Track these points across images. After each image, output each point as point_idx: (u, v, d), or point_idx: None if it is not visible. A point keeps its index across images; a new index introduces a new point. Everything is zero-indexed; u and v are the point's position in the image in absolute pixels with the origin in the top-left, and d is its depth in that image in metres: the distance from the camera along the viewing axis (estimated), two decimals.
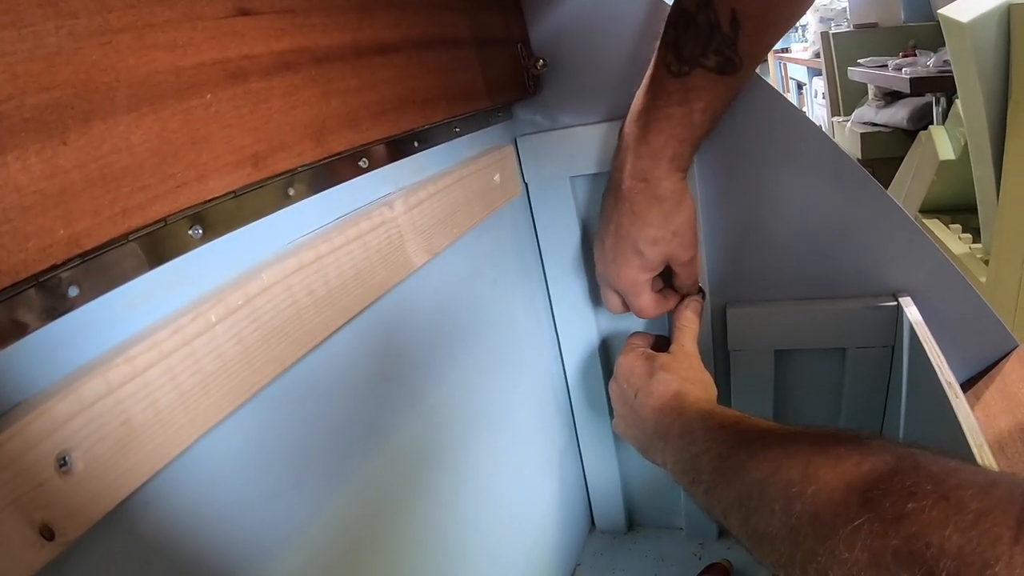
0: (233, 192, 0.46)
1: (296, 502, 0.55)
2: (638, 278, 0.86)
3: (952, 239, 2.54)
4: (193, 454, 0.44)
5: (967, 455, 0.61)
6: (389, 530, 0.68)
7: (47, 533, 0.34)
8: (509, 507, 0.97)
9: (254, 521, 0.51)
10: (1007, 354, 0.92)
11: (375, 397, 0.66)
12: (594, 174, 0.98)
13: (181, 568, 0.45)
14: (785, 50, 6.43)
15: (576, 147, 0.96)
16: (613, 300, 0.92)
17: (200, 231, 0.44)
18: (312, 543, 0.57)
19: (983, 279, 2.18)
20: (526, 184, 1.01)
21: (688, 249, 0.85)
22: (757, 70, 0.82)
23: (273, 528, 0.53)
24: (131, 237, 0.39)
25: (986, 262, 2.25)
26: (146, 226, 0.39)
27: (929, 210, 2.81)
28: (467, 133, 0.82)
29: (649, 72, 0.78)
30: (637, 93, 0.80)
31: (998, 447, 0.76)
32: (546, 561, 1.11)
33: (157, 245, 0.41)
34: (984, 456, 0.61)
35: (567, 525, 1.21)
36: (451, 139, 0.78)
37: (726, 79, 0.74)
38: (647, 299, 0.88)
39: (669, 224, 0.81)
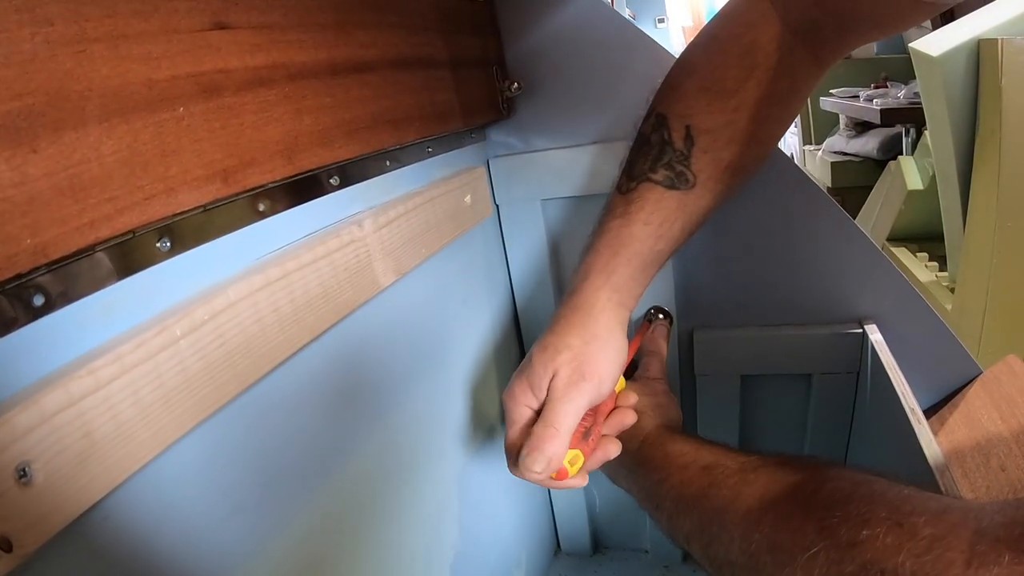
0: (202, 206, 0.45)
1: (258, 520, 0.55)
2: (514, 388, 0.71)
3: (919, 267, 2.57)
4: (154, 469, 0.44)
5: (930, 481, 0.61)
6: (352, 550, 0.68)
7: (5, 545, 0.33)
8: (474, 528, 0.96)
9: (214, 538, 0.51)
10: (971, 381, 0.93)
11: (340, 416, 0.66)
12: (565, 198, 0.99)
13: None
14: None
15: (548, 170, 0.96)
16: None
17: (168, 244, 0.44)
18: (273, 562, 0.57)
19: (949, 307, 2.20)
20: (497, 206, 1.01)
21: (579, 373, 0.68)
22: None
23: (234, 546, 0.52)
24: (98, 248, 0.39)
25: (952, 290, 2.28)
26: (114, 237, 0.39)
27: (897, 238, 2.84)
28: (439, 153, 0.82)
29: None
30: None
31: (962, 473, 0.76)
32: None
33: (124, 257, 0.41)
34: (948, 483, 0.61)
35: (532, 547, 1.20)
36: (423, 159, 0.78)
37: (676, 195, 0.71)
38: (514, 425, 0.71)
39: (571, 335, 0.70)
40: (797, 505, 0.49)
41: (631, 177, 0.73)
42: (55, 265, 0.36)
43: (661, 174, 0.71)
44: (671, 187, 0.71)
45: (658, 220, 0.71)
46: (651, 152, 0.71)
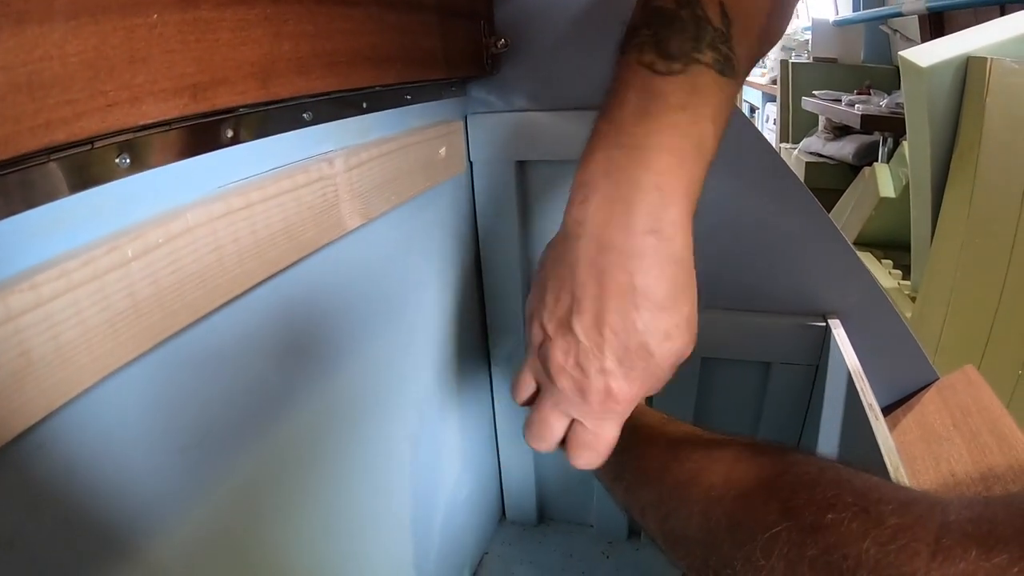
0: (167, 123, 0.43)
1: (200, 460, 0.53)
2: (632, 395, 0.55)
3: (883, 273, 2.61)
4: (94, 397, 0.42)
5: (883, 476, 0.61)
6: (294, 500, 0.66)
7: None
8: (421, 487, 0.96)
9: (154, 475, 0.49)
10: (927, 386, 0.94)
11: (291, 361, 0.64)
12: (541, 161, 0.98)
13: (72, 517, 0.43)
14: None
15: (526, 132, 0.95)
16: (557, 428, 0.60)
17: (128, 161, 0.42)
18: (213, 503, 0.55)
19: (908, 314, 2.23)
20: (471, 163, 1.00)
21: (693, 340, 0.56)
22: None
23: (173, 484, 0.51)
24: (54, 156, 0.37)
25: (913, 299, 2.31)
26: (70, 145, 0.37)
27: (864, 243, 2.89)
28: (418, 102, 0.80)
29: (616, 88, 0.53)
30: (598, 122, 0.54)
31: (912, 474, 0.77)
32: (455, 546, 1.11)
33: (80, 170, 0.39)
34: (900, 479, 0.62)
35: (478, 512, 1.21)
36: (400, 106, 0.76)
37: (728, 84, 0.52)
38: (616, 431, 0.59)
39: (685, 301, 0.53)
40: (761, 485, 0.48)
41: (669, 55, 0.51)
42: (5, 169, 0.34)
43: (709, 55, 0.51)
44: (722, 72, 0.52)
45: (723, 118, 0.53)
46: (686, 28, 0.51)
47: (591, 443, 0.58)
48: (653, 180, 0.49)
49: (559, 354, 0.54)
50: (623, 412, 0.56)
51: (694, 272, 0.53)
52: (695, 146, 0.50)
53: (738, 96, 0.56)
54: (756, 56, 0.55)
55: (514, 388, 0.63)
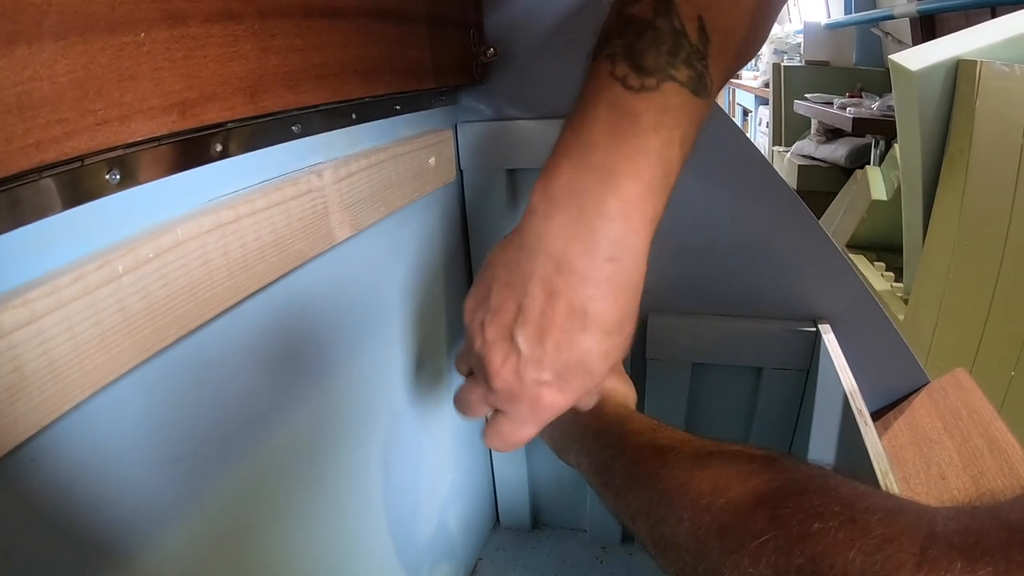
0: (157, 139, 0.44)
1: (192, 471, 0.53)
2: (562, 406, 0.56)
3: (875, 276, 2.61)
4: (86, 410, 0.42)
5: (872, 482, 0.62)
6: (286, 509, 0.67)
7: None
8: (414, 494, 0.96)
9: (147, 486, 0.49)
10: (918, 389, 0.94)
11: (282, 372, 0.64)
12: (531, 169, 0.98)
13: (66, 529, 0.43)
14: (736, 76, 6.56)
15: (516, 140, 0.95)
16: (481, 412, 0.61)
17: (118, 176, 0.42)
18: (206, 514, 0.55)
19: (901, 317, 2.23)
20: (461, 172, 1.00)
21: (627, 352, 0.57)
22: None
23: (166, 495, 0.51)
24: (45, 174, 0.37)
25: (905, 301, 2.31)
26: (61, 163, 0.37)
27: (856, 246, 2.89)
28: (407, 112, 0.80)
29: (587, 99, 0.52)
30: (567, 135, 0.52)
31: (902, 478, 0.77)
32: (448, 551, 1.11)
33: (71, 186, 0.39)
34: (889, 484, 0.62)
35: (472, 518, 1.21)
36: (390, 116, 0.76)
37: (699, 104, 0.51)
38: (534, 432, 0.59)
39: (629, 323, 0.54)
40: (750, 492, 0.48)
41: (643, 70, 0.49)
42: None
43: (684, 73, 0.49)
44: (695, 92, 0.50)
45: (690, 141, 0.52)
46: (663, 41, 0.49)
47: (507, 436, 0.58)
48: (619, 207, 0.49)
49: (497, 359, 0.54)
50: (548, 419, 0.57)
51: (640, 293, 0.53)
52: (663, 173, 0.50)
53: (710, 111, 0.53)
54: (731, 74, 0.55)
55: (456, 362, 0.65)
